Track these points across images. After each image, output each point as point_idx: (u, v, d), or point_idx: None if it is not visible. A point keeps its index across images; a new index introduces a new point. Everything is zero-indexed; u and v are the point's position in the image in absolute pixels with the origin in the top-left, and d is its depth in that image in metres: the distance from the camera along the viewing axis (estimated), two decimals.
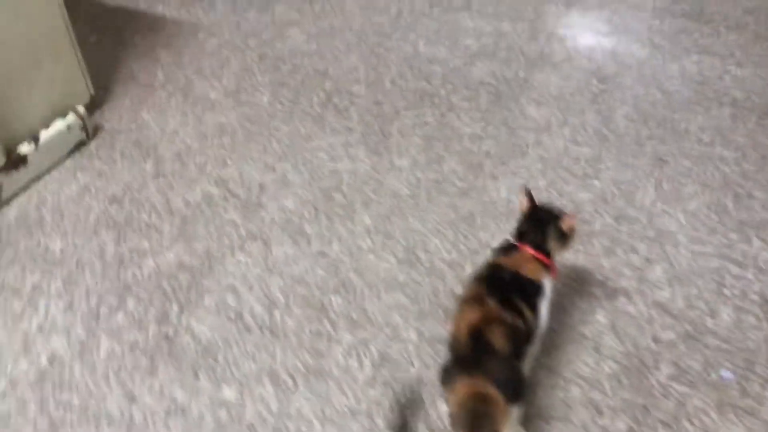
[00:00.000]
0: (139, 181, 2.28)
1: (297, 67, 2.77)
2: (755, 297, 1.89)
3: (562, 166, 2.30)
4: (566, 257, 1.94)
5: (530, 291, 1.50)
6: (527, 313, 1.46)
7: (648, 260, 2.00)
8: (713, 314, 1.85)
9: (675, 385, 1.69)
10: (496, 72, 2.71)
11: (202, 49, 2.91)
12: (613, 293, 1.90)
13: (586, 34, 2.94)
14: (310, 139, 2.42)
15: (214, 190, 2.23)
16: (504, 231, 2.06)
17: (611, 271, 1.96)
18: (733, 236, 2.07)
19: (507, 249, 1.60)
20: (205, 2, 3.24)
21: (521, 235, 1.61)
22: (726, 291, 1.91)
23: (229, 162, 2.34)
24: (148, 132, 2.48)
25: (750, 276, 1.95)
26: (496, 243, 2.01)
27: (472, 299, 1.46)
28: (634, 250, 2.02)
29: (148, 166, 2.33)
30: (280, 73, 2.74)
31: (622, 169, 2.29)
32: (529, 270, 1.53)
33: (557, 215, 1.64)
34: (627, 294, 1.90)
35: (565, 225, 1.61)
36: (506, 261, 1.56)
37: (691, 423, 1.62)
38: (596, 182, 2.25)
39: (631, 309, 1.86)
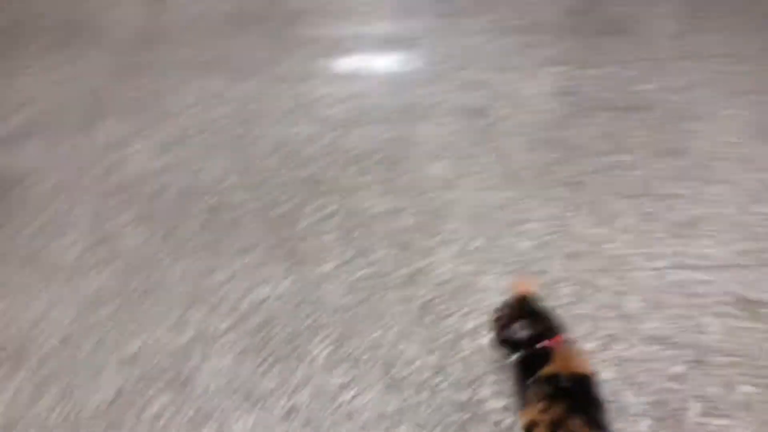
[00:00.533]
0: (23, 399, 1.78)
1: (159, 191, 2.38)
2: (726, 297, 1.88)
3: (489, 218, 2.18)
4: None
5: (594, 389, 1.34)
6: (602, 419, 1.29)
7: (617, 293, 1.92)
8: (702, 329, 1.81)
9: (711, 420, 1.61)
10: (376, 136, 2.53)
11: (33, 202, 2.40)
12: (606, 342, 1.79)
13: (440, 73, 2.85)
14: (212, 273, 2.07)
15: (127, 377, 1.81)
16: (471, 307, 1.89)
17: (591, 317, 1.86)
18: (675, 241, 2.06)
19: (542, 356, 1.41)
20: (10, 141, 2.71)
21: (537, 336, 1.43)
22: (700, 300, 1.89)
23: (129, 332, 1.92)
24: (6, 328, 1.97)
25: (710, 277, 1.94)
26: (471, 325, 1.85)
27: (551, 426, 1.26)
28: (601, 288, 1.94)
29: (23, 377, 1.84)
30: (141, 207, 2.33)
31: (546, 204, 2.21)
32: (580, 365, 1.37)
33: (528, 296, 1.51)
34: (618, 338, 1.81)
35: (526, 290, 1.49)
36: (557, 367, 1.37)
37: None
38: (529, 225, 2.14)
39: (631, 353, 1.77)
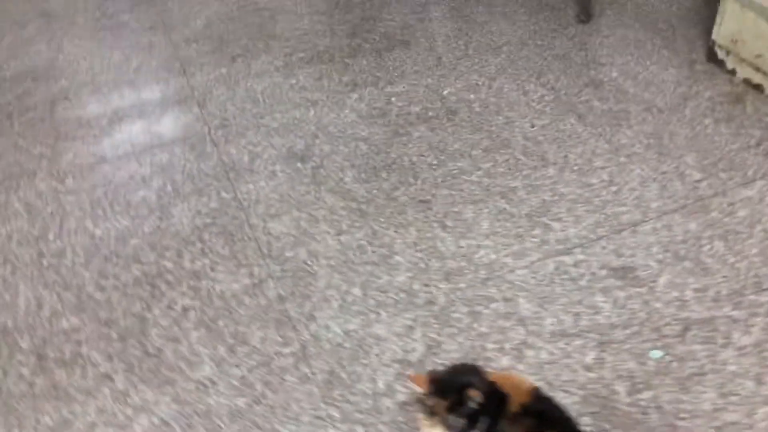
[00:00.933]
0: None
1: None
2: (601, 272, 1.96)
3: (356, 262, 2.05)
4: (450, 348, 1.75)
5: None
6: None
7: (507, 299, 1.91)
8: (595, 310, 1.86)
9: (639, 395, 1.65)
10: (202, 208, 2.28)
11: None
12: (517, 352, 1.77)
13: (245, 123, 2.65)
14: (67, 425, 1.70)
15: None
16: (377, 363, 1.75)
17: (495, 332, 1.82)
18: (534, 232, 2.11)
19: (498, 397, 1.30)
20: None
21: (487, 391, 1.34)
22: (580, 282, 1.94)
23: None
24: None
25: (579, 257, 2.01)
26: (384, 382, 1.70)
27: None
28: (490, 299, 1.91)
29: None
30: None
31: (404, 230, 2.15)
32: (524, 382, 1.38)
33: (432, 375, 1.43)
34: (527, 344, 1.79)
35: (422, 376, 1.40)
36: (517, 397, 1.29)
37: (679, 418, 1.59)
38: (397, 258, 2.06)
39: (544, 355, 1.76)
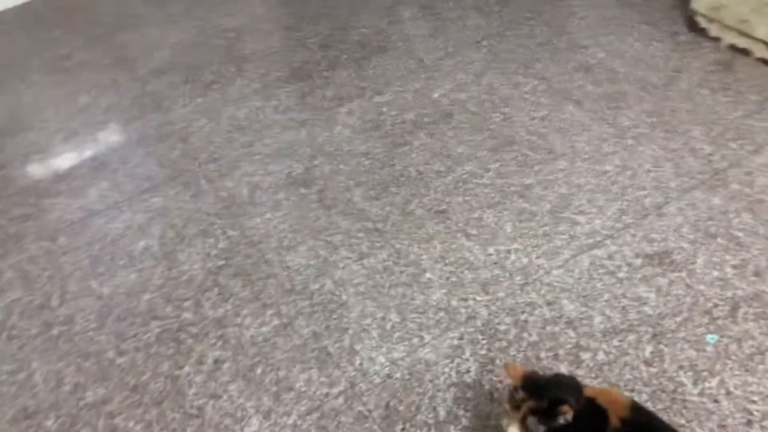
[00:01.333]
0: None
1: None
2: (637, 260, 1.93)
3: (385, 286, 1.98)
4: (521, 357, 1.69)
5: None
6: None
7: (549, 303, 1.87)
8: (640, 301, 1.83)
9: (706, 384, 1.63)
10: (210, 251, 2.16)
11: None
12: (573, 357, 1.72)
13: (237, 154, 2.54)
14: None
15: None
16: (432, 390, 1.69)
17: (546, 338, 1.77)
18: (560, 228, 2.07)
19: (597, 413, 1.25)
20: None
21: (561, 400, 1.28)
22: (618, 275, 1.90)
23: None
24: None
25: (612, 248, 1.97)
26: (444, 410, 1.64)
27: None
28: (533, 305, 1.87)
29: None
30: None
31: (427, 245, 2.08)
32: (619, 395, 1.33)
33: (528, 375, 1.37)
34: (580, 347, 1.75)
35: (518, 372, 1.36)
36: (614, 411, 1.24)
37: (751, 401, 1.57)
38: (427, 275, 1.99)
39: (601, 356, 1.71)
